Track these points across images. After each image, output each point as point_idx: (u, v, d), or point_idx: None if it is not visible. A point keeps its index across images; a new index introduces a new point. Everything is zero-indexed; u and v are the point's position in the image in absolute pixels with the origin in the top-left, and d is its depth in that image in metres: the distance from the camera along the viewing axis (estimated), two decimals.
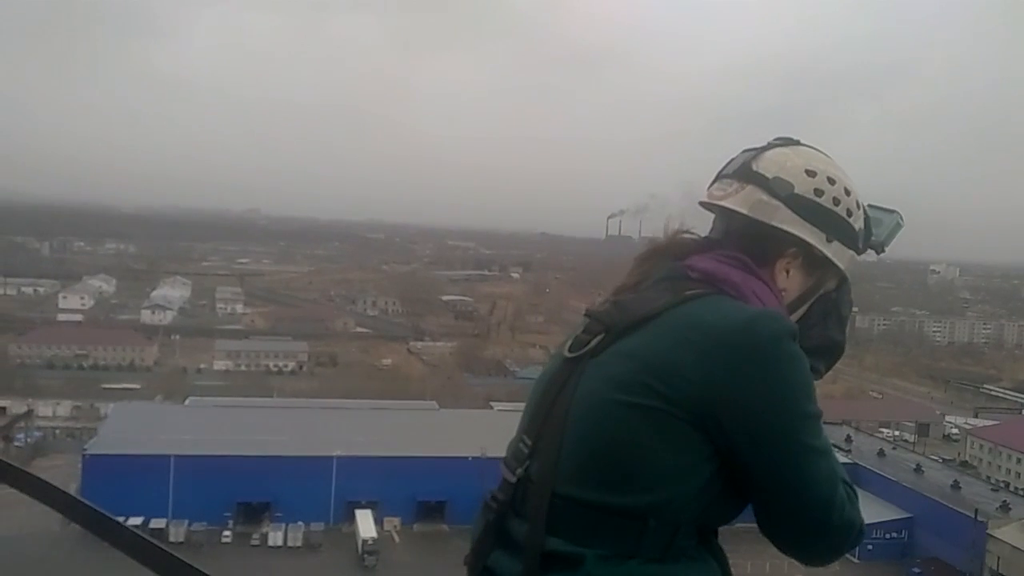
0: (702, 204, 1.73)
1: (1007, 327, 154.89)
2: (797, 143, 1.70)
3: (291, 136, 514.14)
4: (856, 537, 1.52)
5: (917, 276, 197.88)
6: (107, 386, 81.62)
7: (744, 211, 1.63)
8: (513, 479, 1.55)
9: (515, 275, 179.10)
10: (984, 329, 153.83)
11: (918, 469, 58.79)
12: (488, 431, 50.14)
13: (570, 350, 1.57)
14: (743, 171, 1.66)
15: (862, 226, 1.69)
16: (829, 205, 1.63)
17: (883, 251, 1.78)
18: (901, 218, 1.79)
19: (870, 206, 1.75)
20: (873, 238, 1.75)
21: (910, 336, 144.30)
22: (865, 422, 77.33)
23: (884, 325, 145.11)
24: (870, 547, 47.17)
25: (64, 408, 75.07)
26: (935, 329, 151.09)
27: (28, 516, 36.46)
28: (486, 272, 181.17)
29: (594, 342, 1.55)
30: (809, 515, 1.48)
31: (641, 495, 1.44)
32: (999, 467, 74.06)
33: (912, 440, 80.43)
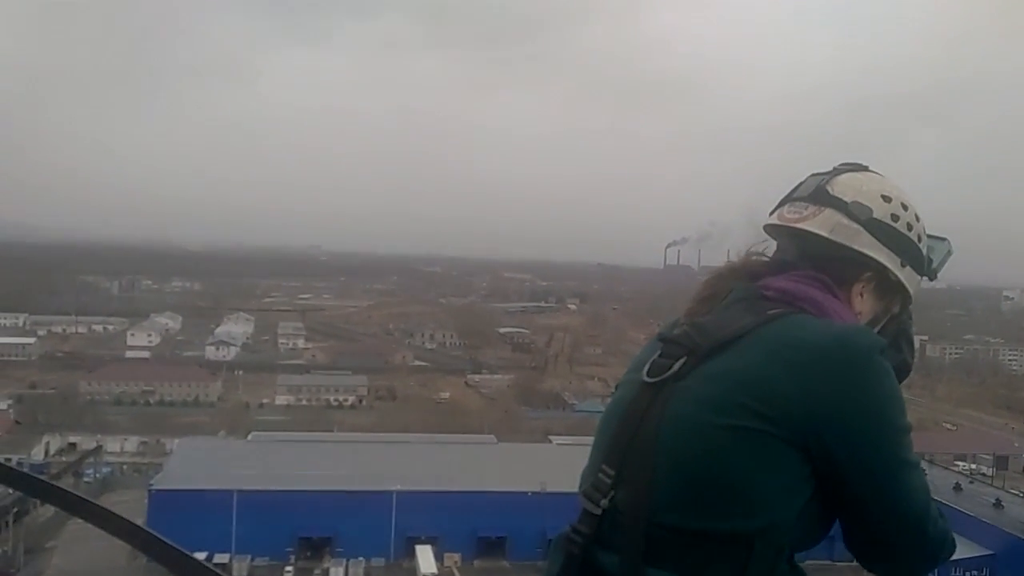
0: (771, 227, 1.72)
1: None
2: (866, 168, 1.71)
3: (351, 173, 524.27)
4: (949, 550, 1.52)
5: (990, 302, 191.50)
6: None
7: (824, 234, 1.62)
8: (598, 511, 1.48)
9: (572, 307, 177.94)
10: None
11: (998, 504, 56.22)
12: (547, 465, 49.68)
13: (649, 374, 1.52)
14: (819, 194, 1.65)
15: (927, 252, 1.73)
16: (904, 231, 1.66)
17: (935, 278, 1.78)
18: (951, 246, 1.80)
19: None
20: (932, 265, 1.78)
21: (984, 365, 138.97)
22: (939, 455, 74.36)
23: (956, 354, 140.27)
24: None
25: (131, 444, 76.59)
26: (1011, 357, 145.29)
27: (95, 551, 37.05)
28: (543, 304, 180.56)
29: (677, 365, 1.50)
30: (906, 528, 1.47)
31: (746, 519, 1.40)
32: None
33: (990, 473, 77.08)
